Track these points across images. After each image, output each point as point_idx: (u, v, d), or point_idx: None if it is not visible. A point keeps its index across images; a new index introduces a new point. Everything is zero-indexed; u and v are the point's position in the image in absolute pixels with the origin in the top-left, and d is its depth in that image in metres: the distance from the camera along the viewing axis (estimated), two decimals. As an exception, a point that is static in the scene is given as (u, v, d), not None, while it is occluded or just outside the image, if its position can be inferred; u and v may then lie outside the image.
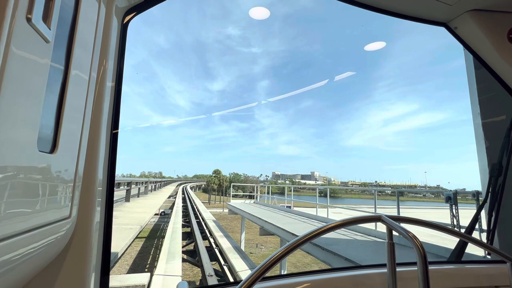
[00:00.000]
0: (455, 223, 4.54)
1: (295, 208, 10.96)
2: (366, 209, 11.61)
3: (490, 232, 1.42)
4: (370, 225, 6.22)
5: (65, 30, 0.51)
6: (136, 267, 11.44)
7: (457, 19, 1.23)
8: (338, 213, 12.61)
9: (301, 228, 6.91)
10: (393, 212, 7.86)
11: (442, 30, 1.33)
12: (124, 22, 0.80)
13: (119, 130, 0.78)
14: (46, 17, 0.43)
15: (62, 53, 0.50)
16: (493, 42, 1.20)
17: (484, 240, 1.43)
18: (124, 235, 5.28)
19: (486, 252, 3.41)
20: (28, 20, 0.38)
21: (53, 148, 0.50)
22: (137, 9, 0.83)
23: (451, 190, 4.73)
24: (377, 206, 6.85)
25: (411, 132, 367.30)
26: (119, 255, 4.89)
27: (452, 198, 4.60)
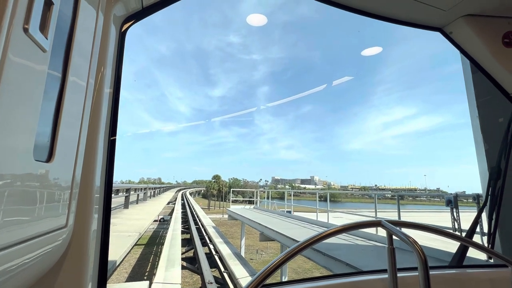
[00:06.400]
0: (456, 226, 4.52)
1: (295, 213, 10.88)
2: (367, 213, 11.53)
3: (491, 236, 1.41)
4: (371, 230, 6.18)
5: (63, 38, 0.51)
6: (135, 275, 11.30)
7: (452, 24, 1.25)
8: (339, 218, 12.52)
9: (302, 233, 6.85)
10: (393, 216, 7.83)
11: (439, 35, 1.35)
12: (122, 30, 0.81)
13: (117, 137, 0.78)
14: (44, 27, 0.43)
15: (59, 61, 0.51)
16: (488, 46, 1.21)
17: (485, 243, 1.42)
18: (123, 243, 5.22)
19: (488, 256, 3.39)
20: (25, 30, 0.39)
21: (50, 155, 0.49)
22: (135, 17, 0.83)
23: (451, 194, 4.71)
24: (377, 210, 6.82)
25: (410, 136, 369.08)
26: (117, 263, 4.82)
27: (453, 202, 4.58)
